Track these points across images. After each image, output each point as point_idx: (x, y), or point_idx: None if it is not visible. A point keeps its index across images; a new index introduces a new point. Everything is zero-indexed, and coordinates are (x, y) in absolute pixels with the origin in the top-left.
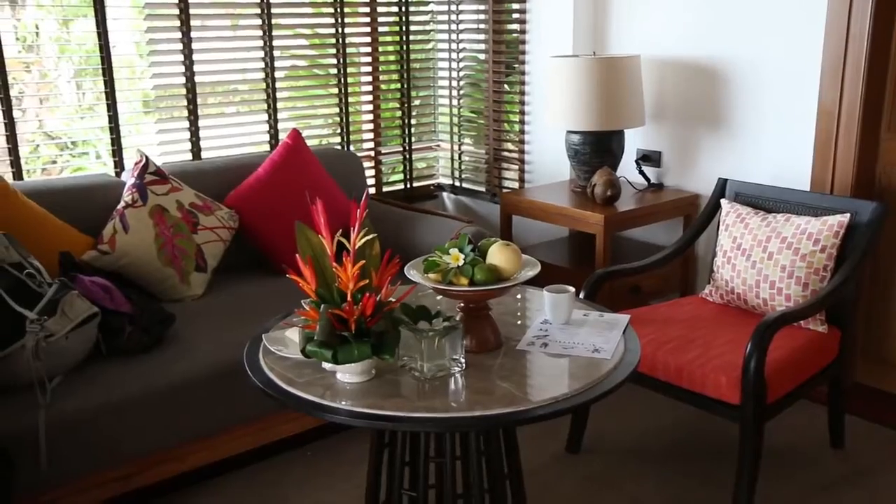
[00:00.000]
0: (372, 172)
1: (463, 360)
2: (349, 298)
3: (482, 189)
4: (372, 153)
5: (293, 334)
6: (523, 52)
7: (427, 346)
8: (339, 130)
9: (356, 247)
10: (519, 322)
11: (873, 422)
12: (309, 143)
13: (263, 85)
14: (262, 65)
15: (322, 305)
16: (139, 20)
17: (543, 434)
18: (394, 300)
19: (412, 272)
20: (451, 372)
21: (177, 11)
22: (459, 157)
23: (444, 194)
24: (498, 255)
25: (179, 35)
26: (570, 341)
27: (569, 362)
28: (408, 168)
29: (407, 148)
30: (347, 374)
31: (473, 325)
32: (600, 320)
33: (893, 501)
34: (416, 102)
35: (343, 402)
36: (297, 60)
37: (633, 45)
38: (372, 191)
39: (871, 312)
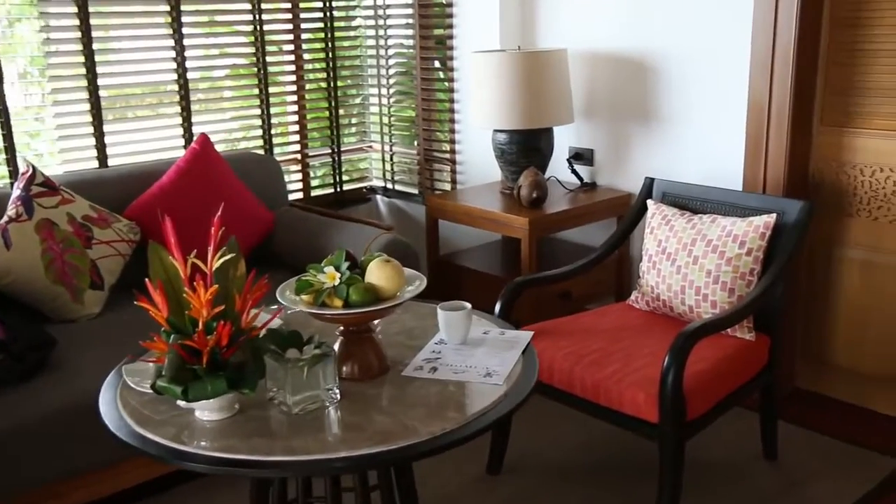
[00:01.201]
0: (299, 176)
1: (337, 391)
2: (200, 327)
3: (415, 191)
4: (299, 156)
5: None
6: (451, 48)
7: (293, 376)
8: (261, 133)
9: (213, 269)
10: (413, 342)
11: (810, 429)
12: (230, 147)
13: (176, 86)
14: (173, 65)
15: (171, 336)
16: (33, 18)
17: (463, 454)
18: (259, 326)
19: (285, 293)
20: (324, 404)
21: (74, 9)
22: (391, 159)
23: (378, 197)
24: (376, 272)
25: (79, 35)
26: (462, 364)
27: (456, 390)
28: (337, 171)
29: (336, 150)
30: (206, 411)
31: (355, 349)
32: (500, 339)
33: None
34: (345, 102)
35: (194, 445)
36: (213, 60)
37: (562, 38)
38: (299, 196)
39: (811, 314)
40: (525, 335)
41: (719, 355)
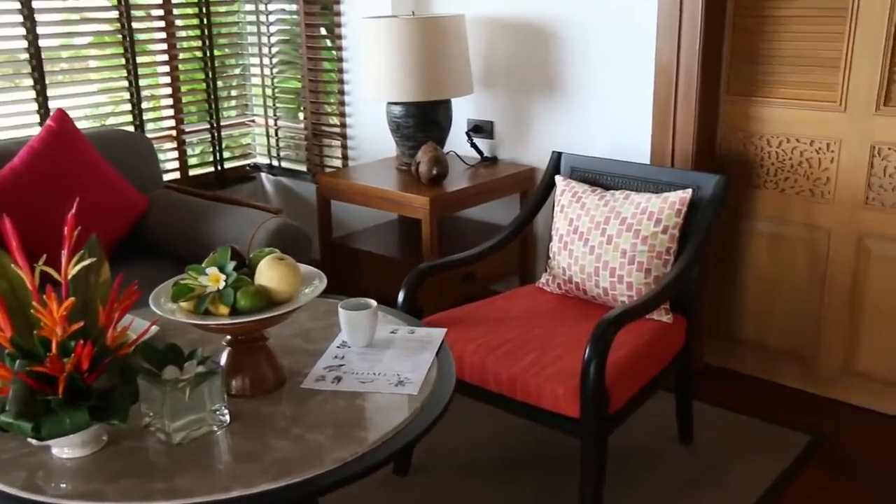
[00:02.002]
0: (175, 155)
1: (226, 412)
2: (54, 350)
3: (303, 168)
4: (174, 132)
5: None
6: (338, 14)
7: (172, 400)
8: (130, 108)
9: (69, 276)
10: (311, 346)
11: (723, 408)
12: (96, 124)
13: (27, 55)
14: (23, 31)
15: (17, 361)
16: None
17: None
18: (129, 342)
19: (160, 300)
20: (211, 429)
21: None
22: (276, 134)
23: (263, 175)
24: (267, 272)
25: None
26: (370, 371)
27: (365, 403)
28: (217, 148)
29: (215, 125)
30: (66, 447)
31: (245, 361)
32: (410, 338)
33: (745, 497)
34: (223, 73)
35: (51, 492)
36: (72, 26)
37: (458, 3)
38: (176, 175)
39: (719, 289)
40: (437, 333)
41: (638, 341)
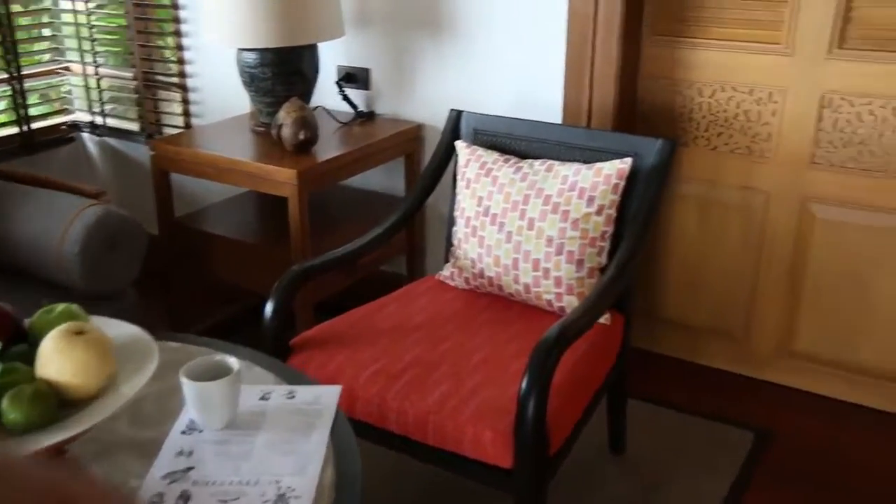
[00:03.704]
0: None
1: None
2: None
3: (136, 128)
4: None
5: None
6: None
7: None
8: None
9: None
10: (143, 433)
11: (651, 402)
12: None
13: None
14: None
15: None
16: None
17: None
18: None
19: None
20: None
21: None
22: (98, 84)
23: (84, 136)
24: (58, 359)
25: None
26: (233, 478)
27: None
28: (21, 103)
29: (15, 73)
30: None
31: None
32: (291, 408)
33: None
34: (26, 4)
35: None
36: None
37: None
38: None
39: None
40: (329, 396)
41: (575, 355)
